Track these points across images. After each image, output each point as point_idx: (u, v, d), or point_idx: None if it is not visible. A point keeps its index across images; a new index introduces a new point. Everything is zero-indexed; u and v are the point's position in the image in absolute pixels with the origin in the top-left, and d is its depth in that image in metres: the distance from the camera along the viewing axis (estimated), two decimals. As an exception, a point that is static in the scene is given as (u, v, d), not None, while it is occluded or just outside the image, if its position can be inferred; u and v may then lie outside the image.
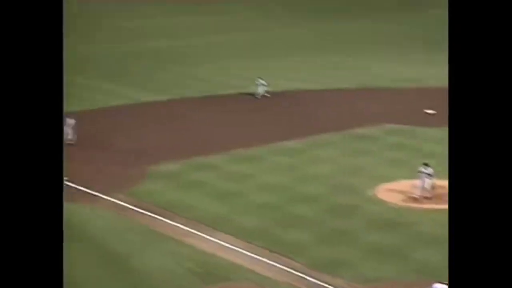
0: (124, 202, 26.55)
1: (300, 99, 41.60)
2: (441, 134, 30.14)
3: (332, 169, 30.15)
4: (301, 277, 21.35)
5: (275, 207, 26.37)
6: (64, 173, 31.87)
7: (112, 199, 26.82)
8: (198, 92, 42.66)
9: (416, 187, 26.79)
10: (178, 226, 24.61)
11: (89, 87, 43.11)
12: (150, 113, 38.77)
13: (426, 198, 26.41)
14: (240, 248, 23.08)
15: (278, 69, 48.25)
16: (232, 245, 23.29)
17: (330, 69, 48.80)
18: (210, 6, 76.74)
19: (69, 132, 32.40)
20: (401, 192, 27.38)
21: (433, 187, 26.39)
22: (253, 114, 38.50)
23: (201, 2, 79.62)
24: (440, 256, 20.48)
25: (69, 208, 26.52)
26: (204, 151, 32.22)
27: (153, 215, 25.44)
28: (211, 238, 23.74)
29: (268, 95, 40.74)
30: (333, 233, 24.37)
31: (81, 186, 27.93)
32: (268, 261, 22.29)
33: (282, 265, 22.03)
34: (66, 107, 38.17)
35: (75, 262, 22.34)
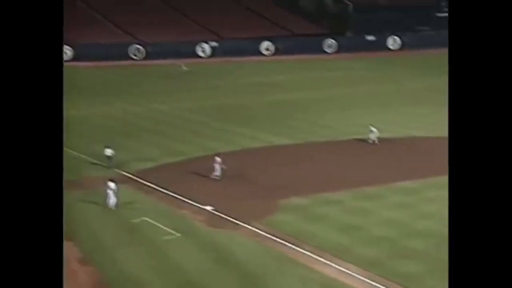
0: (260, 230, 26.58)
1: (411, 145, 40.46)
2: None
3: (442, 208, 28.87)
4: (415, 304, 20.43)
5: (392, 240, 25.56)
6: (210, 203, 32.14)
7: (250, 227, 26.93)
8: (321, 137, 42.48)
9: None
10: (305, 253, 24.32)
11: (234, 132, 43.96)
12: (283, 155, 38.90)
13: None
14: (360, 275, 22.47)
15: (392, 118, 47.30)
16: (352, 272, 22.72)
17: (439, 119, 47.22)
18: (336, 63, 76.84)
19: (216, 168, 33.00)
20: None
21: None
22: (369, 157, 37.76)
23: (328, 60, 79.87)
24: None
25: (214, 233, 27.00)
26: (329, 188, 31.85)
27: (284, 242, 25.29)
28: (334, 265, 23.27)
29: (377, 141, 39.84)
30: (445, 265, 23.20)
31: (225, 214, 28.28)
32: (385, 288, 21.55)
33: (398, 292, 21.21)
34: (216, 149, 38.67)
35: (220, 280, 22.49)
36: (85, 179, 33.40)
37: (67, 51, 74.66)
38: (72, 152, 37.80)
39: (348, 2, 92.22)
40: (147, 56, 77.77)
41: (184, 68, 68.49)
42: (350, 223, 27.32)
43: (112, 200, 28.86)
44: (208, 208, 29.05)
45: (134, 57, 78.01)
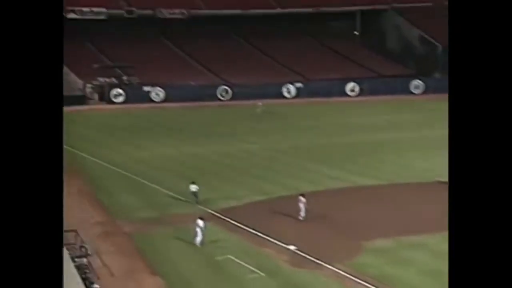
0: (344, 271, 26.17)
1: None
2: None
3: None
4: None
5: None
6: (294, 243, 32.02)
7: (334, 268, 26.57)
8: (405, 178, 41.62)
9: None
10: (390, 297, 23.70)
11: (318, 172, 43.85)
12: (367, 195, 38.35)
13: None
14: (447, 322, 21.60)
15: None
16: (439, 318, 21.91)
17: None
18: (423, 104, 75.61)
19: (301, 208, 32.93)
20: None
21: None
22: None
23: (415, 100, 78.73)
24: None
25: (297, 273, 26.80)
26: (414, 231, 31.04)
27: (368, 285, 24.77)
28: (420, 310, 22.54)
29: None
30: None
31: (308, 254, 28.07)
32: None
33: None
34: (300, 188, 38.44)
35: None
36: (171, 216, 34.11)
37: (159, 93, 77.28)
38: (159, 189, 38.80)
39: (437, 43, 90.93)
40: (234, 97, 79.32)
41: (259, 109, 68.87)
42: (436, 268, 26.41)
43: (199, 237, 29.30)
44: (292, 247, 28.92)
45: (222, 98, 79.78)
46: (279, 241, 29.66)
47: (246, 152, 51.48)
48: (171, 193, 37.78)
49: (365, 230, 31.37)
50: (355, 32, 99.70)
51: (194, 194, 35.45)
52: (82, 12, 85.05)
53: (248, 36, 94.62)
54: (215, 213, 34.11)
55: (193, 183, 35.69)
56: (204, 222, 29.44)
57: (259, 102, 69.82)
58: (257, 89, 78.28)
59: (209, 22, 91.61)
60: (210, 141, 55.26)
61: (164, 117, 69.10)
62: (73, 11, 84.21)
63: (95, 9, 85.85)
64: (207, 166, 46.37)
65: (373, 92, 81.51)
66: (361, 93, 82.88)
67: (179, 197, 36.84)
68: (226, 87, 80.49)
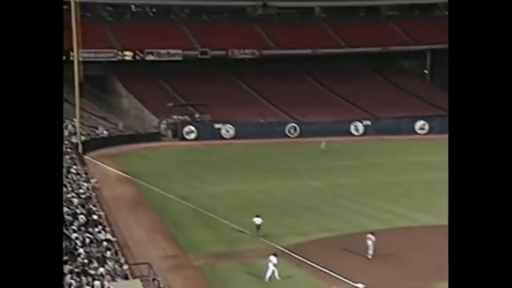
0: (412, 312, 25.40)
1: None
2: None
3: None
4: None
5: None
6: (361, 281, 31.38)
7: (402, 308, 25.82)
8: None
9: None
10: None
11: (386, 210, 43.11)
12: (437, 235, 37.18)
13: None
14: None
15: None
16: None
17: None
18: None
19: (369, 246, 32.33)
20: None
21: None
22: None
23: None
24: None
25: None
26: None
27: (438, 327, 23.91)
28: None
29: None
30: None
31: (376, 294, 27.43)
32: None
33: None
34: (367, 226, 37.77)
35: None
36: (240, 250, 34.13)
37: (229, 130, 78.29)
38: (228, 223, 38.98)
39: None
40: (302, 134, 79.45)
41: (323, 144, 68.41)
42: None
43: (269, 273, 29.15)
44: (360, 286, 28.33)
45: (290, 135, 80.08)
46: (347, 279, 29.14)
47: (314, 188, 51.17)
48: (239, 228, 37.88)
49: (436, 270, 30.37)
50: (425, 71, 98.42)
51: (258, 227, 35.69)
52: (159, 54, 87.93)
53: (316, 74, 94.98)
54: (283, 249, 33.91)
55: (258, 216, 36.01)
56: (277, 259, 29.30)
57: (323, 139, 69.56)
58: (325, 126, 78.15)
59: (279, 62, 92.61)
60: (278, 177, 55.29)
61: (234, 153, 69.80)
62: (151, 53, 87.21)
63: (171, 51, 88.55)
64: (274, 201, 46.32)
65: (444, 130, 79.57)
66: (431, 131, 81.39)
67: (246, 231, 36.89)
68: (294, 125, 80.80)
